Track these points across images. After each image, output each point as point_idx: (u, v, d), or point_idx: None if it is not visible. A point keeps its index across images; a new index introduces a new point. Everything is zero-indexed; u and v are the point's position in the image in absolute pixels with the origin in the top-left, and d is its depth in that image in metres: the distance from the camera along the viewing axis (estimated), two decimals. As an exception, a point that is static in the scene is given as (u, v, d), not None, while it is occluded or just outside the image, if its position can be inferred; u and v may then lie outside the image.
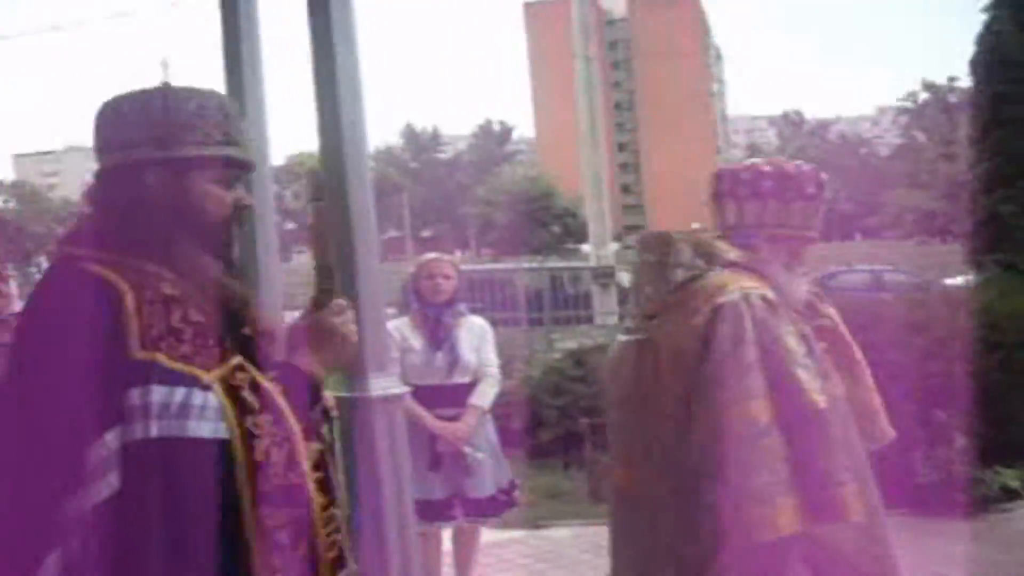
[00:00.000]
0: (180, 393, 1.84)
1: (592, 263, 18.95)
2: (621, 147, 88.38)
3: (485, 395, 5.24)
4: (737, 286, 2.88)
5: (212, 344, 1.94)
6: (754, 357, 2.74)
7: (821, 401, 2.72)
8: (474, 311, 5.67)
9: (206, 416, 1.85)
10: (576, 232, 48.77)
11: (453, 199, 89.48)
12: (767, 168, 3.06)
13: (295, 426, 1.99)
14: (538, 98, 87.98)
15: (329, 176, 3.85)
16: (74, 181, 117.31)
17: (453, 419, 5.12)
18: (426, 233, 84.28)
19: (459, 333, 5.21)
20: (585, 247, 27.25)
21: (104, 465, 1.79)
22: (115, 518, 1.79)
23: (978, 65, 12.17)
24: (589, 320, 18.08)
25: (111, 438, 1.80)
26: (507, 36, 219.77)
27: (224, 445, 1.86)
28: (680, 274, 3.03)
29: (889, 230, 77.65)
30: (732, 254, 3.00)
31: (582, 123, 18.89)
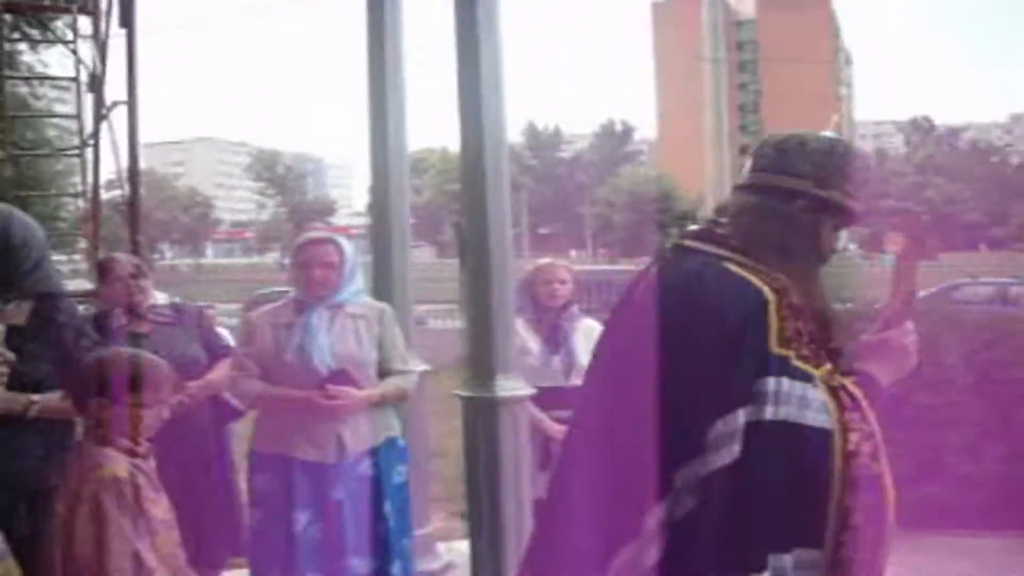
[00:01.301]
0: (800, 387, 2.22)
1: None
2: (743, 150, 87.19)
3: None
4: None
5: (817, 350, 2.32)
6: None
7: None
8: (588, 312, 5.63)
9: (817, 408, 2.22)
10: (695, 235, 48.25)
11: (572, 198, 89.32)
12: None
13: (875, 424, 2.30)
14: (661, 98, 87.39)
15: (467, 176, 3.86)
16: (200, 171, 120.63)
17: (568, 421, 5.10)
18: (543, 231, 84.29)
19: (575, 336, 5.18)
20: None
21: (729, 437, 2.16)
22: (732, 483, 2.15)
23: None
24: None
25: (740, 415, 2.17)
26: (632, 35, 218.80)
27: (827, 434, 2.21)
28: None
29: (1016, 241, 75.12)
30: None
31: (707, 125, 18.74)
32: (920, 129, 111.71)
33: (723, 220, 2.46)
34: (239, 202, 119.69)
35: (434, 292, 20.14)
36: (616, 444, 2.32)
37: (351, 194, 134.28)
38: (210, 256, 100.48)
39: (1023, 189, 75.53)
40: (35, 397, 3.14)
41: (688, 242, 2.46)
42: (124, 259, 4.68)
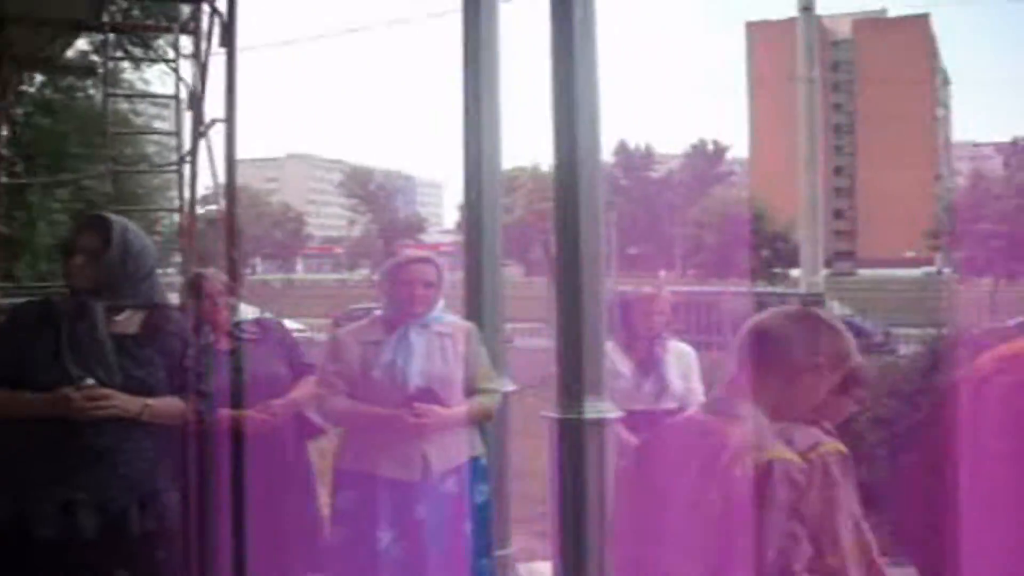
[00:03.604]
0: None
1: (802, 289, 18.47)
2: (837, 171, 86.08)
3: None
4: None
5: None
6: None
7: None
8: (676, 333, 5.59)
9: None
10: (786, 257, 47.71)
11: (661, 218, 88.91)
12: None
13: None
14: (754, 118, 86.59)
15: (561, 196, 3.85)
16: (293, 187, 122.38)
17: None
18: (632, 251, 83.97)
19: (667, 359, 5.15)
20: (795, 272, 26.58)
21: None
22: None
23: None
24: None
25: None
26: (725, 54, 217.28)
27: None
28: None
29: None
30: None
31: (801, 146, 18.46)
32: (1020, 151, 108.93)
33: None
34: (330, 218, 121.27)
35: (522, 311, 20.17)
36: None
37: (441, 212, 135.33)
38: (300, 271, 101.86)
39: None
40: (149, 401, 3.22)
41: None
42: (213, 276, 4.74)
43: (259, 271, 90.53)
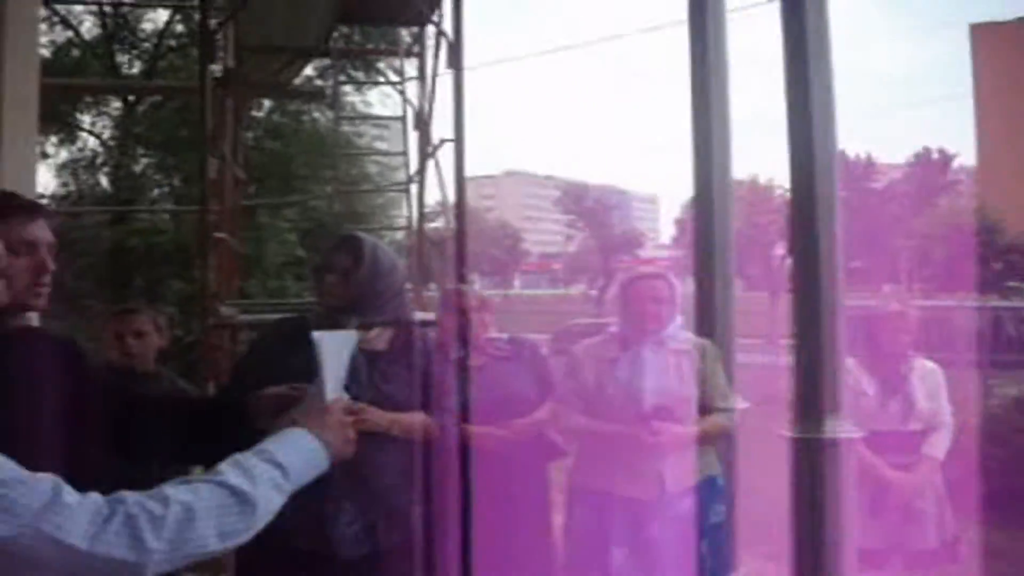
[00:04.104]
0: None
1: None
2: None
3: (940, 445, 4.95)
4: None
5: None
6: None
7: None
8: (923, 351, 5.36)
9: None
10: (1021, 270, 45.28)
11: (885, 230, 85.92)
12: None
13: None
14: (981, 124, 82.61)
15: (797, 208, 3.76)
16: (510, 203, 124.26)
17: (905, 467, 4.87)
18: (855, 264, 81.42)
19: (913, 379, 4.95)
20: (1031, 286, 25.18)
21: None
22: None
23: None
24: (1033, 366, 16.73)
25: None
26: (949, 58, 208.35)
27: None
28: None
29: None
30: None
31: (1039, 153, 17.52)
32: None
33: None
34: (546, 234, 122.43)
35: (743, 325, 19.76)
36: None
37: (657, 226, 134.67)
38: (518, 287, 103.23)
39: None
40: (397, 416, 3.31)
41: None
42: (469, 292, 4.77)
43: (477, 287, 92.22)
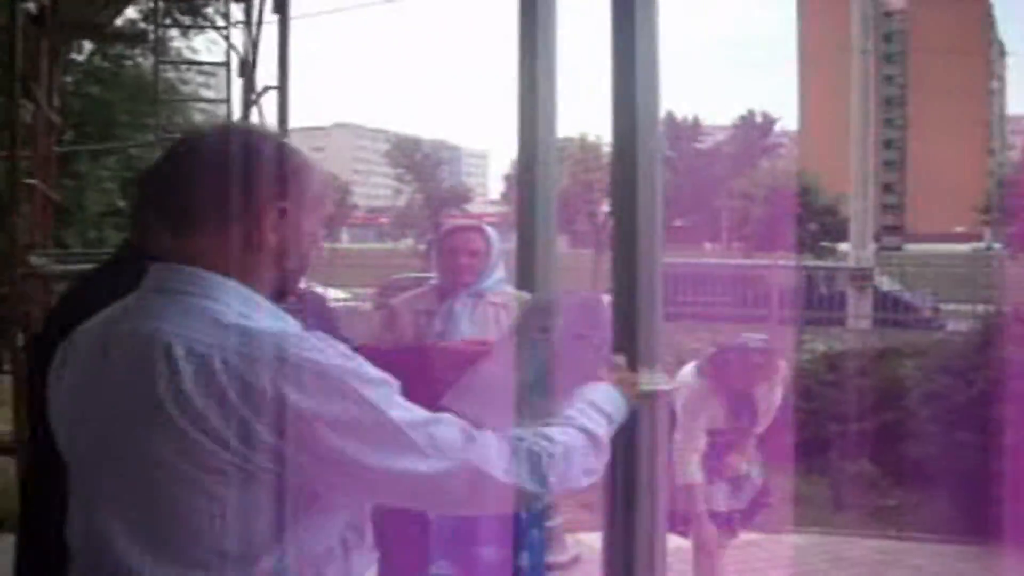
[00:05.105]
0: None
1: (851, 263, 18.30)
2: (887, 144, 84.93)
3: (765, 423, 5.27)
4: None
5: None
6: None
7: None
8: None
9: None
10: (833, 231, 47.27)
11: (708, 190, 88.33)
12: None
13: None
14: (805, 90, 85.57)
15: (618, 166, 3.80)
16: (339, 156, 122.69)
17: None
18: (678, 223, 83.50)
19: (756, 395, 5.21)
20: (843, 246, 26.28)
21: None
22: None
23: None
24: (841, 323, 17.50)
25: None
26: (775, 23, 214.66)
27: None
28: None
29: None
30: None
31: (854, 118, 18.24)
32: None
33: None
34: (376, 187, 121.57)
35: (568, 282, 20.09)
36: None
37: (486, 182, 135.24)
38: (346, 241, 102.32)
39: None
40: None
41: None
42: None
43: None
